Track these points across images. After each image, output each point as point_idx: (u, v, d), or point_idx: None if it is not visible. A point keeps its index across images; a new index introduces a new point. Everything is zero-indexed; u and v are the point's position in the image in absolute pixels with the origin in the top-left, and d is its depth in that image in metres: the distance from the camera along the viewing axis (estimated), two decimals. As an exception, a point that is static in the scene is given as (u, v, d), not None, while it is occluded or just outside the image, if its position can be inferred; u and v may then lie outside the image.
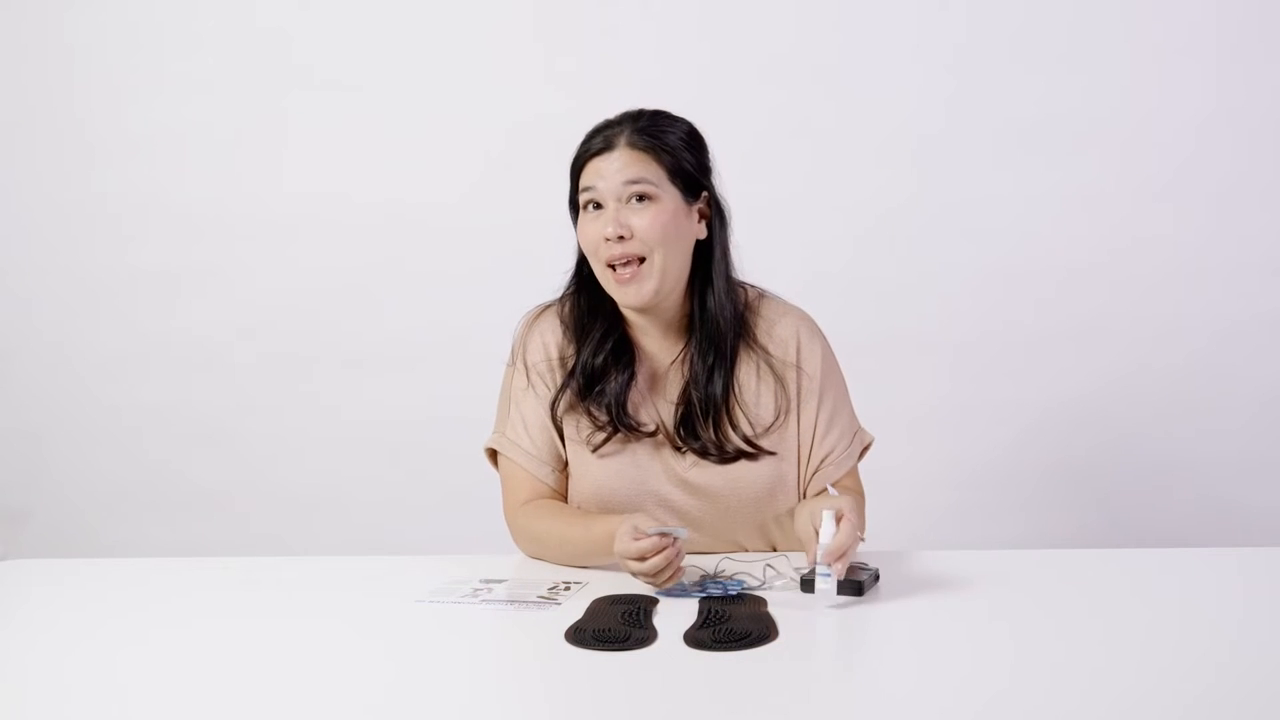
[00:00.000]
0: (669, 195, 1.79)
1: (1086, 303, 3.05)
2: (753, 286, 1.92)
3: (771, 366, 1.86)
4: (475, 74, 3.11)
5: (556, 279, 1.93)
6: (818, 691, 1.35)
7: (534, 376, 1.88)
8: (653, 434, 1.83)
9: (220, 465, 3.20)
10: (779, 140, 2.94)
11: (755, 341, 1.86)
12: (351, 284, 3.16)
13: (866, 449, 1.94)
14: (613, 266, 1.78)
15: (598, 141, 1.81)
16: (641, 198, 1.78)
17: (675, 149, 1.81)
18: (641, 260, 1.77)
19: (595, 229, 1.79)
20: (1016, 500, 3.07)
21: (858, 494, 1.89)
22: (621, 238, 1.76)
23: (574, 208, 1.86)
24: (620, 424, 1.82)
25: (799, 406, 1.86)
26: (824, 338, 1.91)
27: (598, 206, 1.80)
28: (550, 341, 1.89)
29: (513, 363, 1.92)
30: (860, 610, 1.54)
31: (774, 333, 1.88)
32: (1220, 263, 3.03)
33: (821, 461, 1.87)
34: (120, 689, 1.36)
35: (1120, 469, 3.08)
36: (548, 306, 1.94)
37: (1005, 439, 3.08)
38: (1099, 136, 3.02)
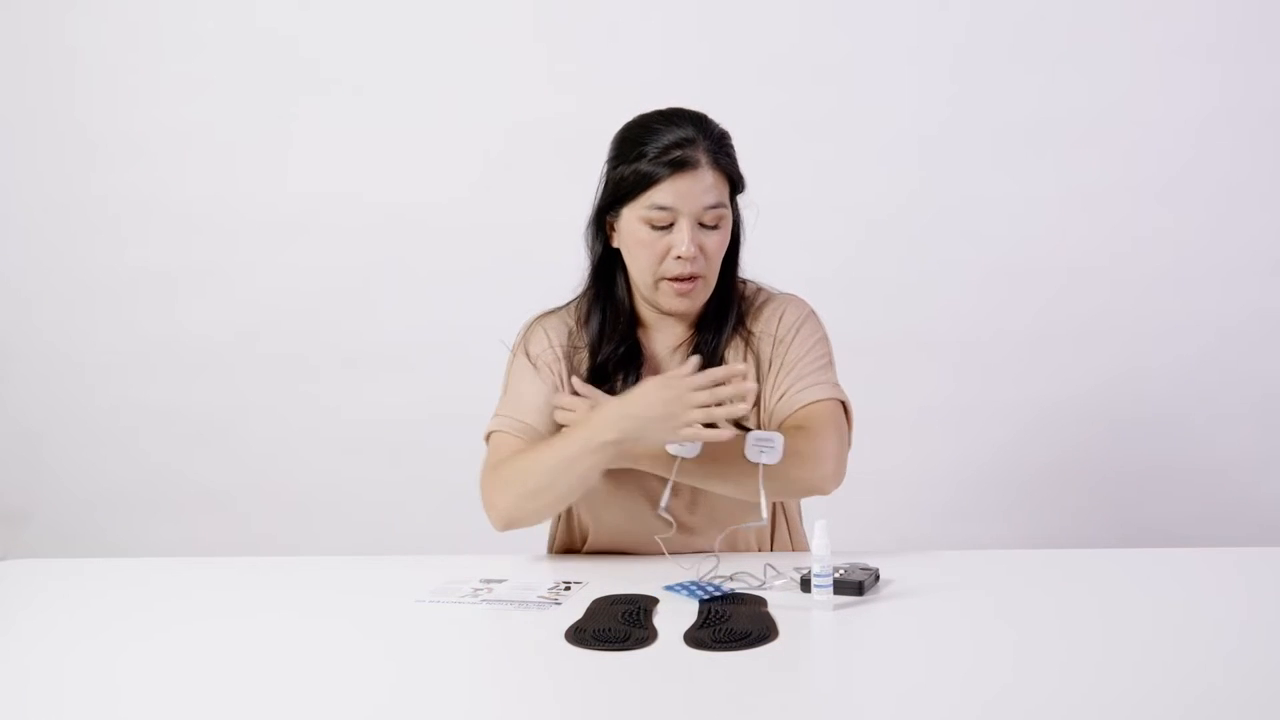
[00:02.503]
0: (729, 215, 1.81)
1: (1087, 302, 3.05)
2: (751, 280, 1.93)
3: (753, 344, 1.87)
4: (475, 74, 3.11)
5: (555, 279, 1.93)
6: (818, 691, 1.35)
7: (540, 365, 1.88)
8: None
9: (220, 465, 3.20)
10: (779, 141, 2.94)
11: (742, 325, 1.88)
12: (351, 284, 3.16)
13: (849, 411, 1.85)
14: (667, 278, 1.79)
15: (675, 156, 1.75)
16: (717, 222, 1.79)
17: (738, 170, 1.82)
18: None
19: (664, 245, 1.77)
20: (1017, 500, 3.07)
21: (812, 430, 1.77)
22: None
23: (610, 205, 1.82)
24: None
25: (769, 366, 1.86)
26: (812, 316, 1.90)
27: (671, 223, 1.77)
28: (554, 338, 1.91)
29: (514, 354, 1.93)
30: (860, 610, 1.54)
31: (761, 314, 1.89)
32: (1220, 263, 3.03)
33: (780, 397, 1.83)
34: (120, 689, 1.36)
35: (1121, 468, 3.07)
36: (550, 312, 1.95)
37: (1006, 439, 3.08)
38: (1099, 136, 3.02)
